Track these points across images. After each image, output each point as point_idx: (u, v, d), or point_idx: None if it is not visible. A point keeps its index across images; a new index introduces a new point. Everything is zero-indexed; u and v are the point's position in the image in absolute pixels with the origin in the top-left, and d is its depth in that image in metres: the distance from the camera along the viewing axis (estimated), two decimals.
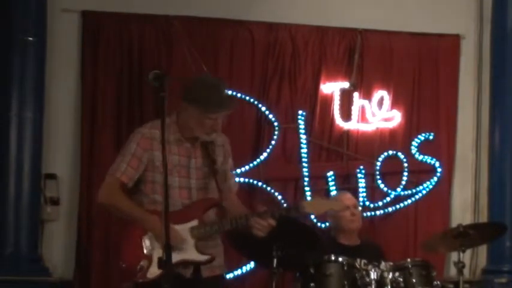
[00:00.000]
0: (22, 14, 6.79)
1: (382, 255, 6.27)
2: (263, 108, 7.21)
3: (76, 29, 7.02)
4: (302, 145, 7.25)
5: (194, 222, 4.94)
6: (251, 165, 7.12)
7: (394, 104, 7.46)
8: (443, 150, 7.55)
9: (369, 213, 7.29)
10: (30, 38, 6.76)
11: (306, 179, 7.22)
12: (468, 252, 6.74)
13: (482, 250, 7.46)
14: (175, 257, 4.59)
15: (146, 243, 4.89)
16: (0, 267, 6.62)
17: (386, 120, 7.44)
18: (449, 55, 7.62)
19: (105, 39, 6.99)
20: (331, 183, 7.26)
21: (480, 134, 7.66)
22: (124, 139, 6.67)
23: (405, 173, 7.41)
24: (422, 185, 7.45)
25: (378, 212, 7.35)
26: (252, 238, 4.97)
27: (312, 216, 6.99)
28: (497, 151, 7.53)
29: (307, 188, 7.21)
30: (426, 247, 6.29)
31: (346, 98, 7.37)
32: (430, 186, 7.46)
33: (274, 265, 5.39)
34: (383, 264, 5.72)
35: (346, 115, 7.36)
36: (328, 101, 7.34)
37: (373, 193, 7.37)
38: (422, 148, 7.47)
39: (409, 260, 5.83)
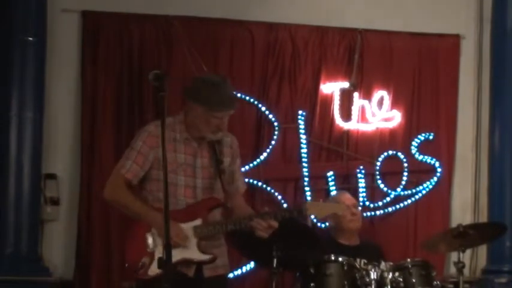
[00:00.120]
0: (22, 14, 6.79)
1: (382, 255, 6.28)
2: (263, 108, 7.21)
3: (76, 29, 7.02)
4: (302, 145, 7.25)
5: (198, 222, 4.95)
6: (251, 165, 7.12)
7: (394, 104, 7.46)
8: (443, 150, 7.54)
9: (368, 213, 7.28)
10: (30, 38, 6.76)
11: (306, 179, 7.21)
12: (468, 252, 6.75)
13: (482, 250, 7.46)
14: (177, 255, 4.62)
15: (149, 240, 4.89)
16: (0, 267, 6.62)
17: (386, 120, 7.44)
18: (449, 55, 7.62)
19: (105, 39, 6.99)
20: (331, 183, 7.26)
21: (480, 134, 7.65)
22: (124, 139, 6.76)
23: (405, 173, 7.40)
24: (422, 185, 7.44)
25: (378, 212, 7.34)
26: (252, 238, 4.98)
27: (312, 216, 6.99)
28: (497, 151, 7.53)
29: (307, 188, 7.21)
30: (426, 247, 6.29)
31: (346, 98, 7.37)
32: (430, 186, 7.46)
33: (274, 265, 5.39)
34: (383, 264, 5.72)
35: (346, 115, 7.36)
36: (328, 101, 7.34)
37: (373, 193, 7.36)
38: (422, 148, 7.47)
39: (409, 260, 5.85)
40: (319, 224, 7.08)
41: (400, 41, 7.53)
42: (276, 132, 7.22)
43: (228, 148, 5.17)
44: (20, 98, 6.75)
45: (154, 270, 4.77)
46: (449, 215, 7.55)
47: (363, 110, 7.39)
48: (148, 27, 7.07)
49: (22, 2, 6.81)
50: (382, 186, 7.36)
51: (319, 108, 7.34)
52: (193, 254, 4.91)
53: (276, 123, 7.22)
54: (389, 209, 7.37)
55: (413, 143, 7.45)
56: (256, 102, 7.20)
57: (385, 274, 5.68)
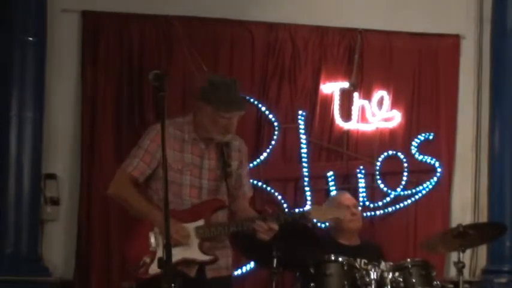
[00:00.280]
0: (22, 14, 6.79)
1: (382, 255, 6.28)
2: (263, 108, 7.21)
3: (76, 29, 7.02)
4: (302, 145, 7.25)
5: (200, 222, 4.95)
6: (251, 165, 7.10)
7: (394, 104, 7.46)
8: (443, 150, 7.54)
9: (368, 213, 7.28)
10: (30, 38, 6.76)
11: (306, 179, 7.21)
12: (468, 252, 6.74)
13: (482, 250, 7.46)
14: (177, 255, 4.62)
15: (151, 239, 4.89)
16: (0, 267, 6.62)
17: (386, 120, 7.44)
18: (449, 55, 7.62)
19: (105, 39, 6.99)
20: (331, 183, 7.26)
21: (480, 134, 7.65)
22: (124, 139, 6.78)
23: (405, 173, 7.40)
24: (422, 185, 7.44)
25: (377, 212, 7.34)
26: (254, 240, 4.97)
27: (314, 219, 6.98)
28: (497, 151, 7.53)
29: (307, 188, 7.21)
30: (426, 247, 6.29)
31: (346, 98, 7.37)
32: (430, 186, 7.46)
33: (274, 265, 5.39)
34: (383, 264, 5.72)
35: (346, 115, 7.36)
36: (328, 101, 7.34)
37: (373, 193, 7.36)
38: (422, 148, 7.47)
39: (409, 260, 5.84)
40: (319, 224, 7.07)
41: (400, 41, 7.53)
42: (276, 132, 7.22)
43: (237, 152, 5.17)
44: (20, 98, 6.75)
45: (154, 269, 4.75)
46: (449, 215, 7.55)
47: (362, 110, 7.39)
48: (148, 27, 7.07)
49: (22, 2, 6.81)
50: (382, 186, 7.36)
51: (319, 108, 7.34)
52: (194, 254, 4.91)
53: (276, 123, 7.22)
54: (389, 209, 7.37)
55: (413, 143, 7.45)
56: (256, 102, 7.19)
57: (385, 274, 5.67)
